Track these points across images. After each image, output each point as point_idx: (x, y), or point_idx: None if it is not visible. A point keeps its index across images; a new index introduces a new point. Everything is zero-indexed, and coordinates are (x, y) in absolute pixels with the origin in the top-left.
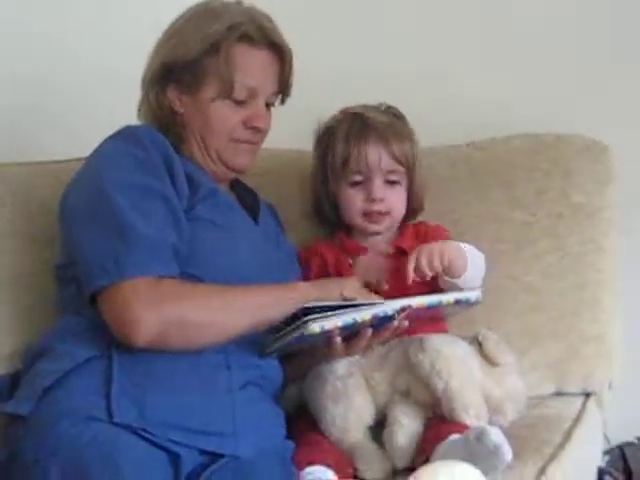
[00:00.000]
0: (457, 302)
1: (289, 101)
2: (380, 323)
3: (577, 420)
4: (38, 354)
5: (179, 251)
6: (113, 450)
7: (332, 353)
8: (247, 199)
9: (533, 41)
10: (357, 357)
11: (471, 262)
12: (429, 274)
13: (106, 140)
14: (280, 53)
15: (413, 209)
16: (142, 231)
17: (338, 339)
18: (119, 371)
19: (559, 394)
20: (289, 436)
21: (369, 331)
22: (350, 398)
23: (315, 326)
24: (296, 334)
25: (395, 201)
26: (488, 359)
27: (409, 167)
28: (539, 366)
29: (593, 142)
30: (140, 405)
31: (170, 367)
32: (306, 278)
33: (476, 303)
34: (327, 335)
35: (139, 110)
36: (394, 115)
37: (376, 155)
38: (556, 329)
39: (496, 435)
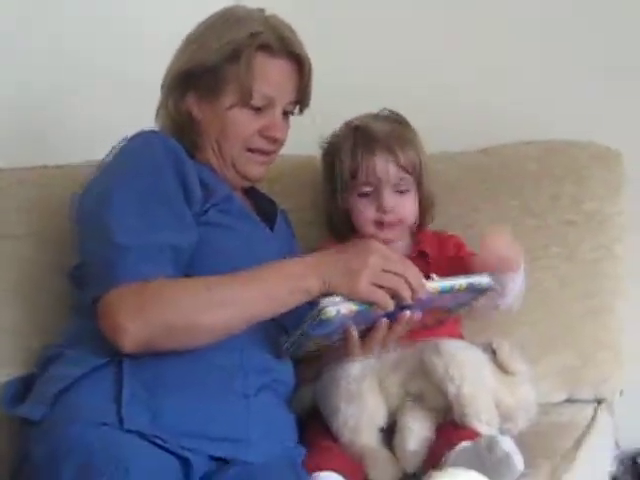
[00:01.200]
0: (470, 287)
1: None
2: (394, 314)
3: (589, 427)
4: (51, 358)
5: (182, 252)
6: (124, 456)
7: (348, 349)
8: (263, 206)
9: (546, 47)
10: (371, 360)
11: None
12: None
13: (119, 144)
14: (300, 63)
15: (424, 212)
16: (134, 235)
17: (354, 332)
18: (130, 376)
19: (571, 401)
20: (300, 441)
21: (384, 322)
22: (363, 399)
23: (331, 310)
24: (311, 322)
25: (406, 209)
26: (501, 367)
27: (417, 174)
28: (551, 373)
29: (605, 149)
30: (151, 411)
31: (182, 371)
32: None
33: (489, 289)
34: (343, 328)
35: (157, 115)
36: (396, 121)
37: (384, 166)
38: (568, 336)
39: (507, 444)
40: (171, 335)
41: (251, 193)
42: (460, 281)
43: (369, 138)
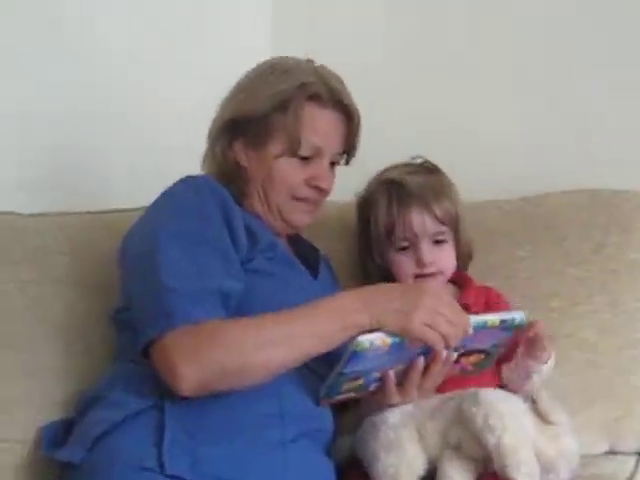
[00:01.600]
0: (502, 323)
1: None
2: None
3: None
4: (91, 402)
5: (232, 296)
6: None
7: (385, 396)
8: (307, 253)
9: (589, 93)
10: (410, 408)
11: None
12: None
13: (166, 190)
14: (348, 114)
15: (462, 260)
16: (186, 281)
17: (391, 373)
18: (171, 421)
19: (612, 453)
20: None
21: (421, 362)
22: (402, 448)
23: (364, 339)
24: (346, 356)
25: (445, 260)
26: (542, 417)
27: (453, 224)
28: (592, 424)
29: None
30: (192, 457)
31: (223, 417)
32: None
33: (521, 326)
34: (379, 369)
35: (203, 162)
36: (429, 171)
37: (420, 220)
38: (609, 387)
39: None
40: (224, 376)
41: (294, 239)
42: (492, 317)
43: (403, 193)
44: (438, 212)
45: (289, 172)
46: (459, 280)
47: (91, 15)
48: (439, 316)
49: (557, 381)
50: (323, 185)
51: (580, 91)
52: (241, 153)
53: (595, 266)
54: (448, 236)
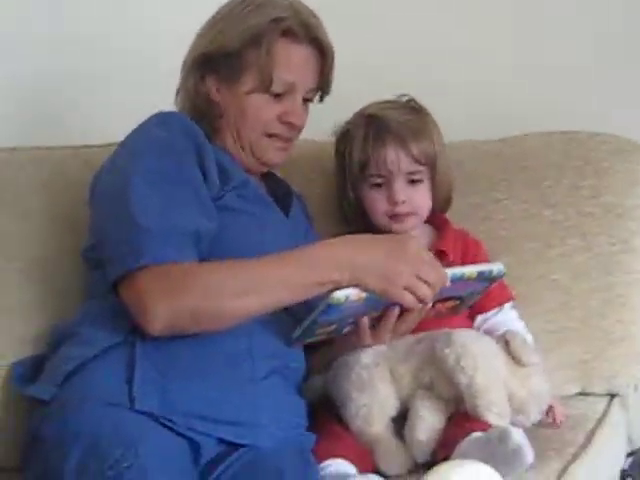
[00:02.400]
0: (480, 275)
1: None
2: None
3: (601, 421)
4: (62, 338)
5: (204, 236)
6: (134, 437)
7: (359, 338)
8: (279, 192)
9: (567, 40)
10: (383, 348)
11: None
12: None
13: (138, 127)
14: (322, 50)
15: (440, 202)
16: (157, 219)
17: (365, 320)
18: (142, 358)
19: (584, 394)
20: (311, 428)
21: (395, 310)
22: (375, 388)
23: (340, 294)
24: (321, 306)
25: (419, 200)
26: (514, 358)
27: (430, 165)
28: (564, 366)
29: (626, 142)
30: (162, 393)
31: (193, 354)
32: None
33: (498, 277)
34: (353, 316)
35: (176, 96)
36: (413, 110)
37: (395, 158)
38: (582, 329)
39: (518, 436)
40: (196, 320)
41: (267, 177)
42: (470, 269)
43: (381, 128)
44: (415, 151)
45: (261, 108)
46: (436, 222)
47: None
48: (419, 282)
49: (529, 322)
50: (295, 121)
51: (559, 31)
52: (213, 89)
53: (570, 208)
54: (424, 176)
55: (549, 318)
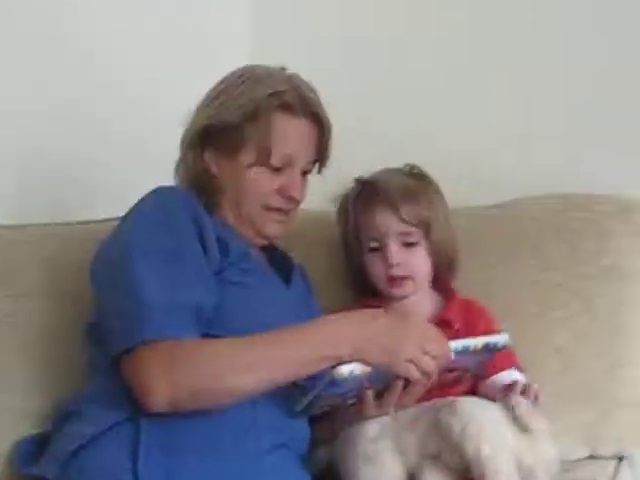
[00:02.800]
0: (485, 347)
1: None
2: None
3: None
4: (66, 416)
5: (205, 310)
6: None
7: (363, 410)
8: (280, 262)
9: (562, 101)
10: (388, 419)
11: None
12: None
13: (137, 202)
14: (320, 123)
15: (443, 267)
16: (158, 294)
17: (369, 393)
18: (146, 435)
19: (592, 458)
20: None
21: (400, 384)
22: (381, 461)
23: (344, 369)
24: (325, 380)
25: (414, 263)
26: (520, 425)
27: (424, 227)
28: (571, 430)
29: (626, 202)
30: (167, 471)
31: (197, 430)
32: None
33: (503, 348)
34: (357, 390)
35: (176, 169)
36: (413, 175)
37: (383, 219)
38: (587, 392)
39: None
40: (196, 398)
41: (267, 248)
42: (476, 342)
43: (371, 193)
44: (405, 213)
45: (260, 182)
46: (443, 291)
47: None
48: (424, 357)
49: None
50: (295, 194)
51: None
52: (212, 162)
53: (570, 271)
54: (419, 238)
55: (554, 383)
